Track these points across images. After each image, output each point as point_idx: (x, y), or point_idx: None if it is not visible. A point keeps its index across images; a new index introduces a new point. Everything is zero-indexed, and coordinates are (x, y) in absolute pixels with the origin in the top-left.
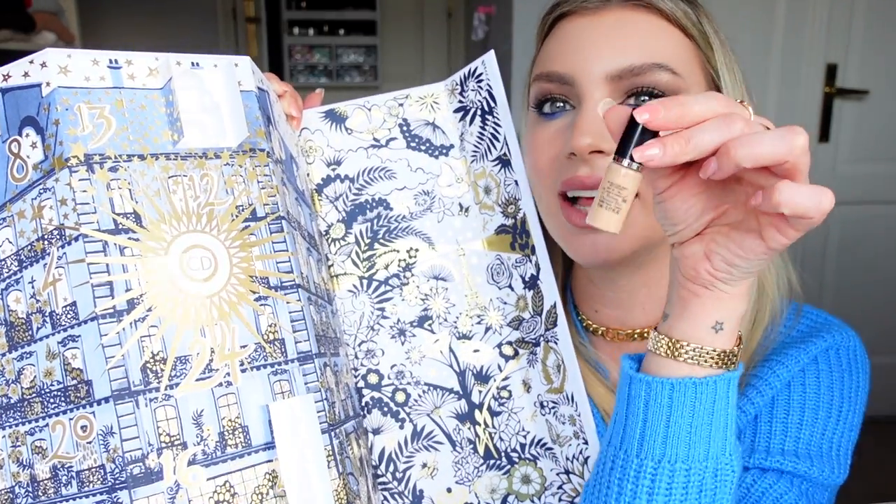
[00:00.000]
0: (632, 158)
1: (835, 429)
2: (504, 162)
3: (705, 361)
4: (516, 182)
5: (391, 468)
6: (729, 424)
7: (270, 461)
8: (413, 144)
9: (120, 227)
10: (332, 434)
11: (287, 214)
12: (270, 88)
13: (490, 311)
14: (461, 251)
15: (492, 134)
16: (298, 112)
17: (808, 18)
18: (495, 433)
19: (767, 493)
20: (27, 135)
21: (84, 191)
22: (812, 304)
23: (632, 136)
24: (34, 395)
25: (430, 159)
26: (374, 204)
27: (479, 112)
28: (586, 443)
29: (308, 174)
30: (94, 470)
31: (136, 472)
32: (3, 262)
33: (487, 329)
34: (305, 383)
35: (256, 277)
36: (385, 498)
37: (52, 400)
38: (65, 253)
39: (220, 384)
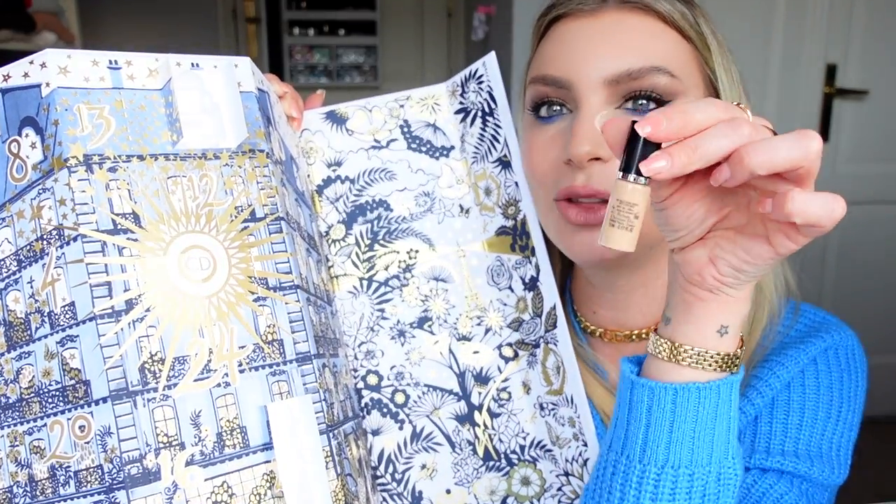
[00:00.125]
0: (638, 173)
1: (834, 429)
2: (504, 163)
3: (708, 365)
4: (516, 183)
5: (390, 469)
6: (731, 427)
7: (268, 462)
8: (414, 146)
9: (119, 227)
10: (331, 435)
11: (286, 215)
12: (271, 89)
13: (490, 312)
14: (461, 252)
15: (492, 135)
16: (299, 113)
17: (807, 18)
18: (495, 435)
19: (768, 494)
20: (26, 135)
21: (83, 191)
22: (811, 303)
23: (635, 149)
24: (32, 394)
25: (430, 160)
26: (374, 205)
27: (479, 113)
28: (586, 445)
29: (308, 175)
30: (91, 470)
31: (133, 473)
32: (2, 262)
33: (487, 330)
34: (304, 384)
35: (255, 278)
36: (384, 499)
37: (50, 400)
38: (63, 253)
39: (219, 384)
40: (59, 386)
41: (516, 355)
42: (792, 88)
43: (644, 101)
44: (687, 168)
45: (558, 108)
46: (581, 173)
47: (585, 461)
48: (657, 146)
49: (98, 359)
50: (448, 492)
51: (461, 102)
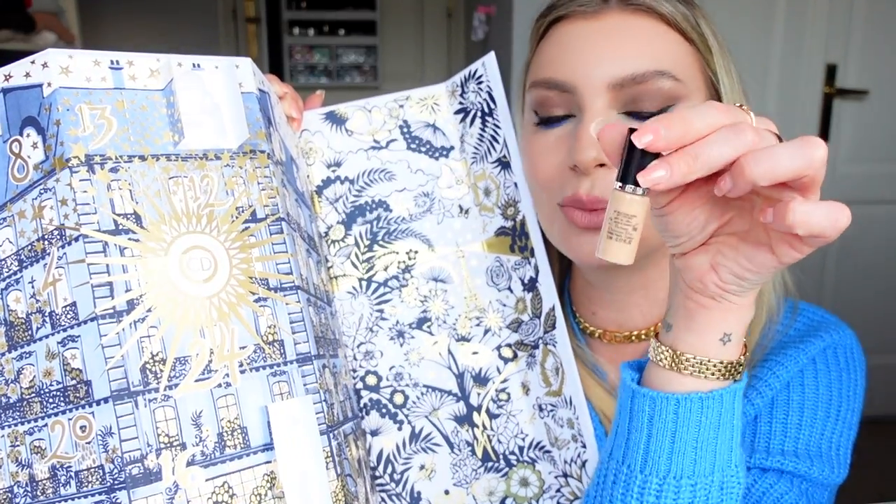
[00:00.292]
0: (637, 183)
1: (833, 428)
2: (504, 164)
3: (711, 374)
4: (516, 184)
5: (389, 470)
6: (735, 435)
7: (269, 462)
8: (413, 146)
9: (120, 227)
10: (331, 435)
11: (287, 216)
12: (271, 90)
13: (489, 313)
14: (460, 253)
15: (492, 136)
16: (299, 114)
17: (808, 18)
18: (493, 435)
19: (768, 494)
20: (28, 135)
21: (85, 191)
22: (811, 303)
23: (633, 158)
24: (33, 394)
25: (430, 161)
26: (373, 205)
27: (479, 114)
28: (584, 446)
29: (308, 176)
30: (92, 470)
31: (134, 473)
32: (3, 262)
33: (486, 331)
34: (304, 385)
35: (256, 279)
36: (383, 499)
37: (51, 400)
38: (65, 253)
39: (220, 385)
40: (60, 386)
41: (515, 356)
42: (792, 88)
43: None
44: (687, 178)
45: (561, 112)
46: (586, 179)
47: (584, 462)
48: (656, 155)
49: (99, 359)
50: (447, 492)
51: (461, 103)
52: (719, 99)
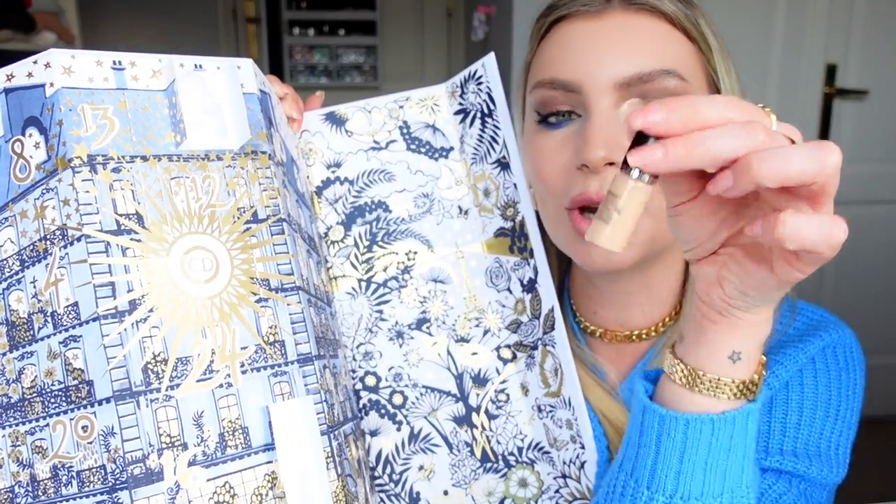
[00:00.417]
0: (634, 167)
1: (833, 428)
2: (503, 165)
3: (723, 393)
4: (515, 185)
5: (388, 470)
6: (748, 455)
7: (270, 462)
8: (413, 147)
9: (122, 227)
10: (332, 436)
11: (288, 217)
12: (272, 91)
13: (488, 313)
14: (460, 254)
15: (491, 136)
16: (299, 114)
17: (807, 18)
18: (492, 436)
19: (767, 494)
20: (30, 135)
21: (87, 191)
22: (810, 303)
23: (638, 142)
24: (35, 394)
25: (429, 161)
26: (373, 206)
27: (478, 114)
28: (583, 447)
29: (308, 176)
30: (94, 470)
31: (136, 473)
32: (4, 262)
33: (486, 332)
34: (305, 385)
35: (257, 279)
36: (382, 500)
37: (52, 400)
38: (67, 253)
39: (221, 385)
40: (62, 386)
41: (514, 357)
42: (792, 88)
43: None
44: (683, 163)
45: (566, 113)
46: (595, 179)
47: (583, 463)
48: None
49: (101, 359)
50: (445, 493)
51: (460, 103)
52: None
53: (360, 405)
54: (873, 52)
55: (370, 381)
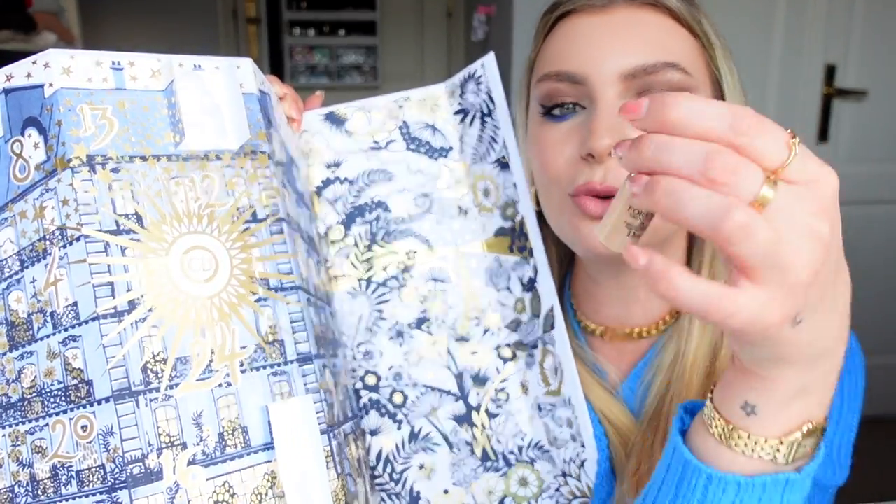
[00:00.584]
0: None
1: (834, 430)
2: (503, 164)
3: (753, 451)
4: (515, 185)
5: (388, 469)
6: None
7: (270, 462)
8: (412, 147)
9: (121, 227)
10: (331, 435)
11: (287, 216)
12: (272, 91)
13: (488, 313)
14: (460, 253)
15: (491, 136)
16: (299, 114)
17: (807, 18)
18: (493, 435)
19: None
20: (30, 135)
21: (86, 191)
22: None
23: None
24: (34, 394)
25: (429, 161)
26: (373, 206)
27: (478, 114)
28: (583, 446)
29: (308, 176)
30: (93, 470)
31: (135, 472)
32: (4, 262)
33: (485, 331)
34: (305, 384)
35: (257, 279)
36: (382, 499)
37: (52, 399)
38: (66, 253)
39: (220, 385)
40: (62, 386)
41: (514, 356)
42: (792, 88)
43: None
44: (636, 165)
45: (571, 105)
46: (600, 168)
47: (583, 462)
48: None
49: (100, 359)
50: (446, 492)
51: (460, 103)
52: (721, 96)
53: (361, 404)
54: (873, 52)
55: (370, 380)
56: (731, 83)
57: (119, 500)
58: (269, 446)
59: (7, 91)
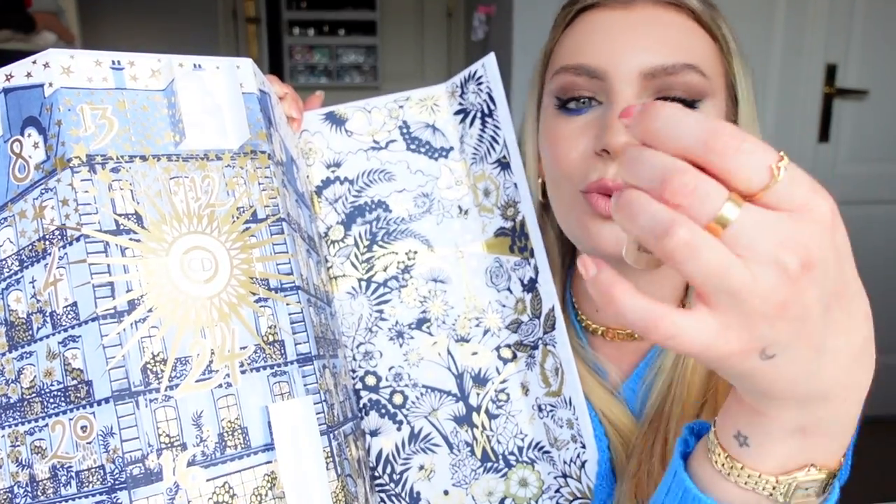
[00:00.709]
0: None
1: None
2: (503, 164)
3: (747, 484)
4: (515, 185)
5: (388, 470)
6: None
7: (270, 462)
8: (413, 147)
9: (121, 227)
10: (331, 436)
11: (287, 216)
12: (272, 91)
13: (488, 313)
14: (460, 253)
15: (491, 136)
16: (299, 114)
17: (807, 18)
18: (493, 436)
19: None
20: (29, 135)
21: (86, 191)
22: None
23: None
24: (34, 394)
25: (429, 161)
26: (373, 206)
27: (478, 114)
28: (584, 447)
29: (308, 176)
30: (93, 470)
31: (135, 473)
32: (3, 262)
33: (486, 332)
34: (305, 385)
35: (257, 279)
36: (382, 500)
37: (51, 400)
38: (66, 253)
39: (220, 385)
40: (61, 386)
41: (515, 357)
42: (792, 88)
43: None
44: (622, 175)
45: (587, 99)
46: (612, 164)
47: (584, 463)
48: None
49: (100, 359)
50: (446, 493)
51: (460, 103)
52: (735, 101)
53: (361, 405)
54: (873, 52)
55: (370, 380)
56: (745, 89)
57: (119, 501)
58: (269, 447)
59: (7, 90)
